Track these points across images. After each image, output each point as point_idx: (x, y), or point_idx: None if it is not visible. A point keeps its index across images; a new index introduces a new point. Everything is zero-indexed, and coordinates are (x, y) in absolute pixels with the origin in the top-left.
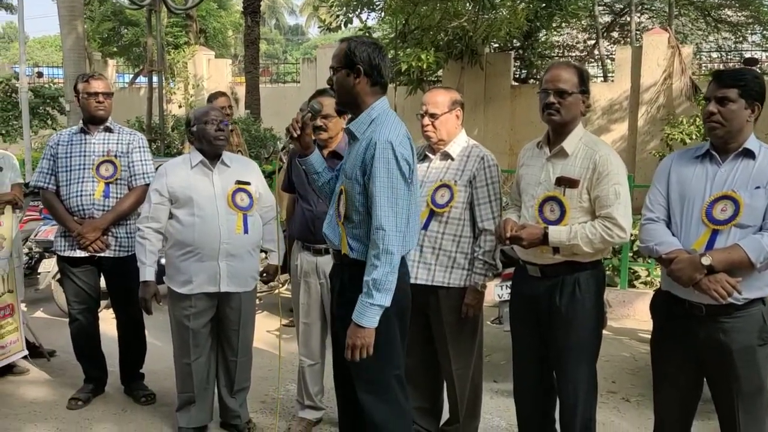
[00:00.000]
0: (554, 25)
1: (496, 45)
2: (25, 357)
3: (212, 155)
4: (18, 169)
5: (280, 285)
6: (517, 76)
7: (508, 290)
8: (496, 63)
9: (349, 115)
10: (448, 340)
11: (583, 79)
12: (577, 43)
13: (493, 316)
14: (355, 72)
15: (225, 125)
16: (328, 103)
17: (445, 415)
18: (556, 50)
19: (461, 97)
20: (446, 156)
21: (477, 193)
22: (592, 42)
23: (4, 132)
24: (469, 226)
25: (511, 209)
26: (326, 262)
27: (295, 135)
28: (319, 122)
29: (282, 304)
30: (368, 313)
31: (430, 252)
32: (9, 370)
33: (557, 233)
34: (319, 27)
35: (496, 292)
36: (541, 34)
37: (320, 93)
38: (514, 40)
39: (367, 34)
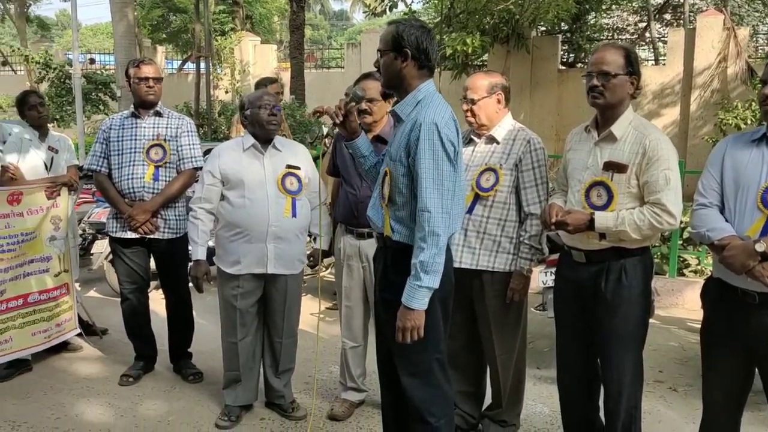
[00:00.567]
0: (604, 7)
1: (544, 28)
2: (78, 334)
3: (264, 139)
4: (73, 151)
5: (324, 268)
6: (565, 59)
7: (553, 276)
8: (542, 46)
9: (394, 99)
10: (492, 324)
11: (631, 61)
12: (627, 25)
13: (537, 303)
14: (403, 55)
15: (278, 110)
16: (373, 87)
17: (488, 400)
18: (606, 33)
19: (506, 81)
20: (491, 140)
21: (523, 177)
22: (644, 24)
23: (58, 117)
24: (515, 210)
25: (557, 194)
26: (369, 246)
27: (338, 121)
28: (364, 106)
29: (326, 287)
30: (417, 296)
31: (475, 236)
32: (63, 346)
33: (604, 219)
34: (363, 12)
35: (541, 278)
36: (590, 17)
37: (366, 76)
38: (562, 23)
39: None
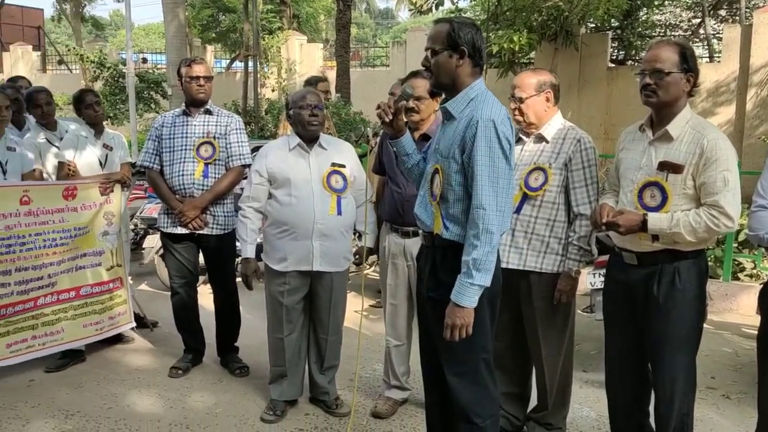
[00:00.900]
0: (656, 2)
1: (593, 25)
2: (131, 327)
3: (309, 138)
4: (127, 148)
5: (367, 266)
6: (614, 57)
7: (602, 278)
8: (592, 44)
9: (442, 97)
10: (538, 325)
11: (686, 58)
12: (680, 21)
13: (585, 305)
14: (459, 53)
15: (320, 110)
16: (421, 85)
17: (533, 402)
18: (657, 29)
19: (555, 79)
20: (540, 138)
21: (573, 177)
22: (698, 20)
23: (112, 115)
24: (564, 211)
25: (608, 194)
26: (414, 244)
27: (387, 120)
28: (411, 104)
29: (370, 285)
30: (468, 293)
31: (522, 236)
32: (117, 338)
33: (657, 220)
34: (409, 10)
35: (589, 279)
36: (641, 13)
37: (414, 75)
38: (612, 20)
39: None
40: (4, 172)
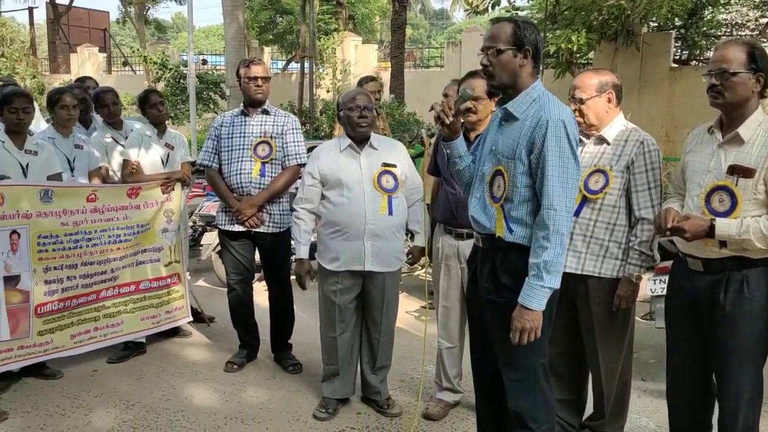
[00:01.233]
0: (722, 1)
1: (656, 24)
2: (187, 322)
3: (359, 139)
4: (187, 148)
5: (420, 267)
6: (677, 57)
7: (663, 285)
8: (654, 43)
9: (499, 97)
10: (596, 331)
11: (755, 57)
12: (747, 21)
13: (644, 312)
14: (523, 53)
15: (369, 110)
16: (479, 86)
17: (589, 409)
18: (723, 29)
19: (617, 79)
20: (601, 140)
21: (635, 180)
22: (765, 20)
23: (172, 115)
24: (625, 214)
25: (673, 198)
26: (468, 246)
27: (448, 121)
28: (469, 104)
29: (421, 285)
30: (538, 296)
31: (581, 239)
32: (174, 332)
33: (726, 226)
34: (465, 10)
35: (649, 286)
36: (706, 12)
37: (471, 75)
38: (676, 19)
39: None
40: (72, 169)
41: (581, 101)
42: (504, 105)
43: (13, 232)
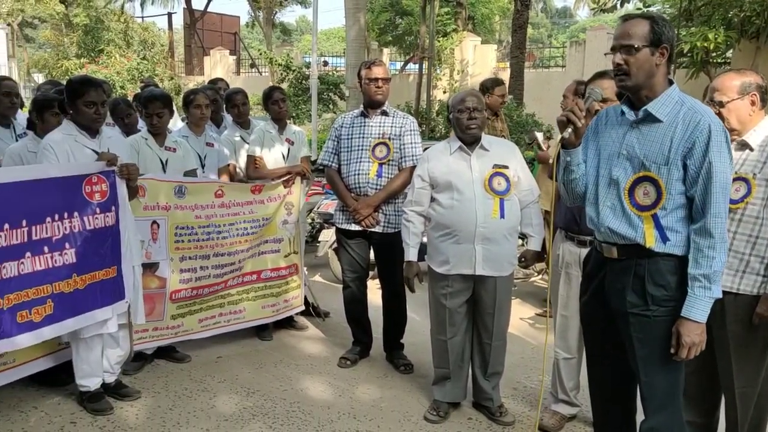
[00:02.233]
0: None
1: None
2: (304, 314)
3: (469, 141)
4: (308, 144)
5: (535, 273)
6: None
7: None
8: None
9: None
10: (732, 352)
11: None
12: None
13: None
14: (660, 51)
15: (479, 111)
16: (609, 86)
17: None
18: None
19: (762, 80)
20: (743, 145)
21: None
22: None
23: (294, 115)
24: None
25: None
26: None
27: (580, 124)
28: (597, 106)
29: (535, 292)
30: (705, 307)
31: None
32: (290, 324)
33: None
34: (591, 8)
35: None
36: None
37: (600, 75)
38: None
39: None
40: (203, 166)
41: (721, 104)
42: (629, 105)
43: (153, 222)
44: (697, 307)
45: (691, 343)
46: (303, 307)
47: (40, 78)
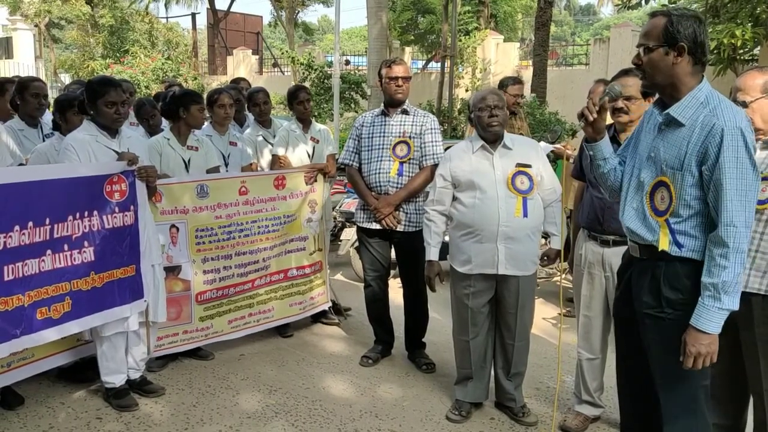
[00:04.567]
0: None
1: None
2: (330, 311)
3: (491, 139)
4: (332, 142)
5: (558, 273)
6: None
7: None
8: None
9: (655, 97)
10: (760, 355)
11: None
12: None
13: None
14: (677, 50)
15: (500, 109)
16: (633, 84)
17: None
18: None
19: None
20: None
21: None
22: None
23: (316, 114)
24: None
25: None
26: (613, 254)
27: (591, 118)
28: (620, 104)
29: (558, 291)
30: (715, 318)
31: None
32: (320, 318)
33: None
34: (615, 5)
35: None
36: None
37: (625, 73)
38: None
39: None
40: (226, 164)
41: (744, 105)
42: (661, 105)
43: (172, 226)
44: (705, 317)
45: (696, 353)
46: (330, 304)
47: (66, 78)
